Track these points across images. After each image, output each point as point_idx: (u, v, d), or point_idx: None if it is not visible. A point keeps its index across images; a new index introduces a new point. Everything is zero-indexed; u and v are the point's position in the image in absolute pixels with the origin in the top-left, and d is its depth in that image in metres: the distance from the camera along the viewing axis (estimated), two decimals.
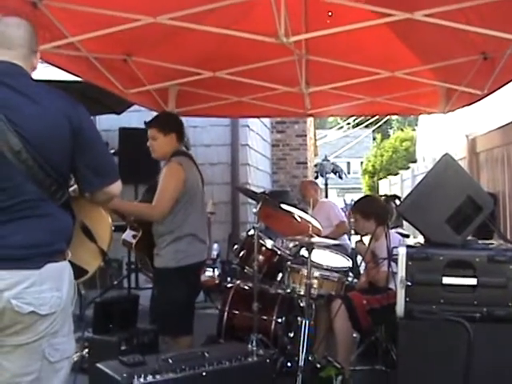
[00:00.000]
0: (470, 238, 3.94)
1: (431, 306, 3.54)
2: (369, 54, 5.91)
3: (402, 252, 3.61)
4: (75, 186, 3.05)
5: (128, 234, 4.96)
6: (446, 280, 3.55)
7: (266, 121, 13.61)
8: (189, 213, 4.72)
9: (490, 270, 3.51)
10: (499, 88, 5.60)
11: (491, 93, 5.75)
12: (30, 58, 2.84)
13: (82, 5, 4.40)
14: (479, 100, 6.08)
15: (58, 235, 2.74)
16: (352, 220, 6.23)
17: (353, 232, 8.01)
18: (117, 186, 2.98)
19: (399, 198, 5.09)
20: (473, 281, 3.52)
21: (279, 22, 4.27)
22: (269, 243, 5.60)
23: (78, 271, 3.09)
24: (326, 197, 19.71)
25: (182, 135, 4.92)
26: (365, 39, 5.40)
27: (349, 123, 47.68)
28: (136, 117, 9.29)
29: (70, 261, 2.83)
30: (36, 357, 2.64)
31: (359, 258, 6.49)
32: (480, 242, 3.96)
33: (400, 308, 3.58)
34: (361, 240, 5.57)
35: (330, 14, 5.08)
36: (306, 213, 6.18)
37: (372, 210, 5.40)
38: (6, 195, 2.61)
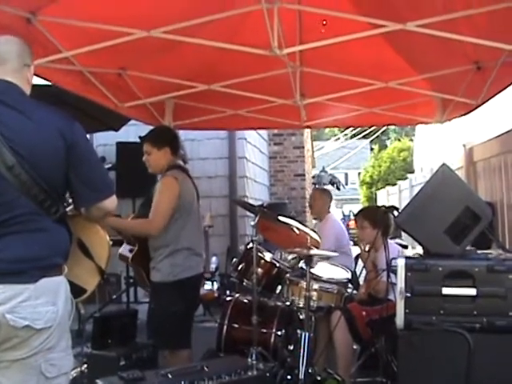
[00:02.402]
0: (468, 248, 3.93)
1: (431, 317, 3.52)
2: (363, 64, 5.92)
3: (401, 263, 3.60)
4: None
5: (125, 248, 4.95)
6: (446, 291, 3.54)
7: (263, 133, 13.61)
8: (184, 226, 4.72)
9: (490, 280, 3.50)
10: (493, 97, 5.61)
11: (486, 102, 5.76)
12: (21, 72, 2.83)
13: (76, 19, 4.40)
14: (474, 109, 6.10)
15: (54, 249, 2.73)
16: (355, 229, 6.19)
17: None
18: (112, 202, 2.97)
19: (397, 208, 5.07)
20: (472, 291, 3.51)
21: (272, 35, 4.28)
22: (267, 256, 5.58)
23: (77, 290, 3.07)
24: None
25: (176, 148, 4.93)
26: (359, 50, 5.41)
27: (346, 134, 47.75)
28: (133, 131, 9.27)
29: (68, 280, 2.81)
30: (32, 372, 2.62)
31: (358, 269, 6.47)
32: (479, 251, 3.96)
33: (400, 319, 3.56)
34: (364, 249, 5.57)
35: (324, 22, 5.09)
36: (305, 225, 6.16)
37: (380, 220, 5.37)
38: (1, 210, 2.60)
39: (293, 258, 6.12)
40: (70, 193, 2.90)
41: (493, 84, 5.28)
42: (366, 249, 5.50)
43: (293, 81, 6.00)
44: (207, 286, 8.24)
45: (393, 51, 5.67)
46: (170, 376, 3.55)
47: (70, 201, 2.99)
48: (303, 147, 14.80)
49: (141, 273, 4.90)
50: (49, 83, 5.29)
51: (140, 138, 4.99)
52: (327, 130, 50.38)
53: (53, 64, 4.84)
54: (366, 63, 5.91)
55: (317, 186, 15.14)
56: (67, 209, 2.97)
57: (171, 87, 6.33)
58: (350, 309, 5.14)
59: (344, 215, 27.50)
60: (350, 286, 5.65)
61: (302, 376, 4.59)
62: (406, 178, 18.25)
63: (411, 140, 37.82)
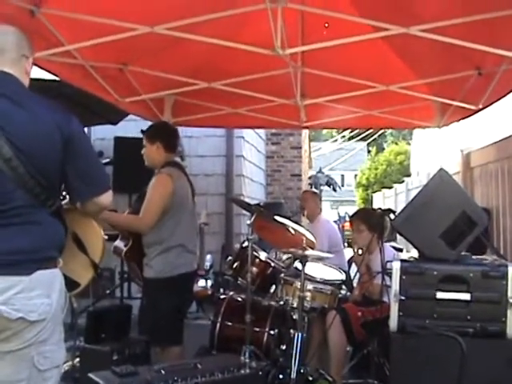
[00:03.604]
0: (463, 253, 3.94)
1: (424, 321, 3.54)
2: (364, 67, 5.93)
3: (396, 266, 3.61)
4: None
5: (120, 242, 4.96)
6: (440, 295, 3.55)
7: (261, 132, 13.61)
8: (177, 223, 4.76)
9: (484, 285, 3.52)
10: (494, 103, 5.63)
11: (486, 107, 5.77)
12: (19, 63, 2.82)
13: (80, 13, 4.40)
14: (473, 114, 6.11)
15: (49, 242, 2.74)
16: (350, 231, 6.19)
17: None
18: (107, 197, 2.97)
19: (394, 212, 5.08)
20: (466, 296, 3.53)
21: (276, 34, 4.28)
22: (262, 255, 5.59)
23: (70, 284, 3.07)
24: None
25: (169, 145, 4.97)
26: (360, 53, 5.41)
27: (343, 136, 47.75)
28: (132, 126, 9.26)
29: (62, 273, 2.81)
30: (25, 364, 2.62)
31: (353, 271, 6.48)
32: (474, 257, 3.97)
33: (393, 322, 3.58)
34: (357, 252, 5.56)
35: (326, 25, 5.09)
36: (300, 225, 6.17)
37: (377, 224, 5.36)
38: None
39: (287, 258, 6.13)
40: (66, 187, 2.91)
41: (494, 90, 5.29)
42: (360, 252, 5.49)
43: (294, 81, 6.00)
44: (201, 283, 8.26)
45: (395, 55, 5.67)
46: (162, 372, 3.55)
47: (66, 194, 2.99)
48: (300, 147, 14.81)
49: (134, 268, 4.91)
50: (48, 78, 5.29)
51: (141, 131, 5.06)
52: (325, 131, 50.45)
53: (55, 57, 4.84)
54: (368, 66, 5.92)
55: (306, 188, 15.12)
56: (63, 202, 2.98)
57: (172, 84, 6.32)
58: (346, 309, 5.15)
59: (339, 216, 27.46)
60: (343, 287, 5.66)
61: (293, 375, 4.59)
62: (403, 182, 18.28)
63: (408, 144, 37.82)
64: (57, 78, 5.53)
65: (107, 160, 8.52)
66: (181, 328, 4.85)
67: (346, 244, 16.04)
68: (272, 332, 5.29)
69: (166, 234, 4.71)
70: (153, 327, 4.75)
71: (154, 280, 4.72)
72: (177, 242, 4.75)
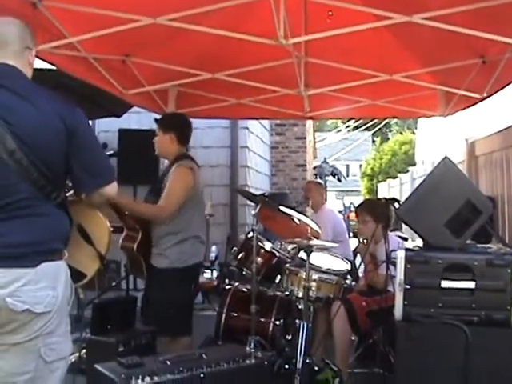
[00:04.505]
0: (468, 241, 3.94)
1: (429, 310, 3.54)
2: (368, 56, 5.92)
3: (400, 255, 3.61)
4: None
5: (123, 238, 4.96)
6: (445, 283, 3.55)
7: (266, 123, 13.60)
8: (194, 215, 4.83)
9: (489, 273, 3.51)
10: (498, 91, 5.61)
11: (490, 96, 5.76)
12: (23, 55, 2.82)
13: (82, 5, 4.40)
14: (478, 103, 6.10)
15: (54, 234, 2.74)
16: (355, 221, 6.20)
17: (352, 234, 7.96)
18: (112, 188, 2.98)
19: (398, 201, 5.07)
20: (471, 284, 3.53)
21: (278, 24, 4.27)
22: (267, 245, 5.59)
23: (77, 275, 3.08)
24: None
25: (182, 137, 4.99)
26: (364, 42, 5.40)
27: (348, 126, 47.66)
28: (135, 118, 9.31)
29: (68, 264, 2.82)
30: (31, 356, 2.64)
31: (358, 261, 6.48)
32: (479, 245, 3.96)
33: (398, 311, 3.58)
34: (363, 242, 5.56)
35: (330, 13, 5.08)
36: (305, 215, 6.17)
37: (382, 214, 5.36)
38: (1, 194, 2.61)
39: (292, 248, 6.14)
40: (71, 178, 2.91)
41: (498, 78, 5.28)
42: (365, 242, 5.49)
43: (297, 71, 6.00)
44: (207, 274, 8.26)
45: (398, 43, 5.66)
46: (168, 363, 3.56)
47: (71, 185, 3.00)
48: (305, 138, 14.79)
49: (140, 261, 4.90)
50: (52, 67, 5.28)
51: (155, 120, 5.08)
52: (330, 121, 50.31)
53: (58, 50, 4.84)
54: (371, 55, 5.91)
55: (311, 179, 15.11)
56: (68, 194, 2.98)
57: (175, 75, 6.32)
58: (351, 299, 5.16)
59: (344, 207, 27.48)
60: (349, 277, 5.66)
61: (299, 365, 4.60)
62: (408, 171, 18.23)
63: (413, 133, 37.71)
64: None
65: (111, 152, 8.53)
66: (191, 318, 4.88)
67: (351, 234, 16.03)
68: (277, 322, 5.30)
69: (183, 225, 4.75)
70: (165, 317, 4.75)
71: (170, 270, 4.73)
72: (192, 233, 4.80)
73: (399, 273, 3.59)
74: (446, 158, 3.88)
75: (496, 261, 3.52)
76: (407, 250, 3.68)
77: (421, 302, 3.55)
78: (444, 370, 3.46)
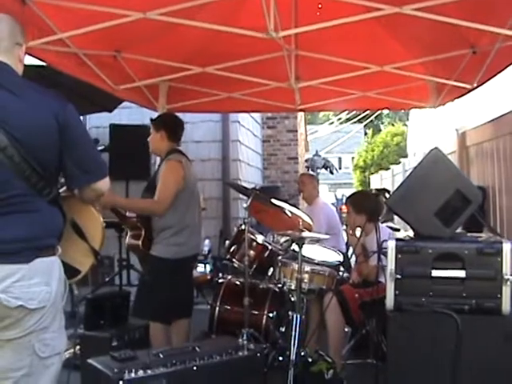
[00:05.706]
0: (459, 230, 3.96)
1: (420, 299, 3.55)
2: (358, 48, 5.93)
3: (391, 245, 3.63)
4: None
5: (130, 239, 5.07)
6: (435, 273, 3.57)
7: (257, 116, 13.58)
8: (188, 207, 4.97)
9: (479, 262, 3.53)
10: (488, 80, 5.64)
11: (480, 85, 5.78)
12: (13, 51, 2.81)
13: (71, 1, 4.39)
14: (468, 93, 6.12)
15: (47, 230, 2.75)
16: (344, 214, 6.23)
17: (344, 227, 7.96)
18: (104, 183, 2.99)
19: (389, 191, 5.10)
20: (462, 273, 3.54)
21: (268, 17, 4.28)
22: (260, 238, 5.61)
23: (71, 271, 3.09)
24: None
25: (172, 134, 5.15)
26: (354, 34, 5.41)
27: (340, 118, 47.60)
28: (126, 113, 9.30)
29: (62, 261, 2.83)
30: (26, 352, 2.65)
31: (350, 252, 6.50)
32: (469, 234, 3.99)
33: (390, 301, 3.60)
34: (353, 233, 5.58)
35: (319, 6, 5.09)
36: (298, 208, 6.18)
37: (364, 205, 5.40)
38: None
39: (285, 241, 6.15)
40: (63, 174, 2.91)
41: (488, 68, 5.30)
42: (357, 234, 5.52)
43: (288, 64, 5.99)
44: (200, 268, 8.27)
45: (388, 35, 5.68)
46: (161, 356, 3.58)
47: (63, 181, 3.00)
48: (296, 131, 14.77)
49: (146, 256, 4.98)
50: (42, 64, 5.28)
51: (150, 119, 5.30)
52: (321, 114, 50.29)
53: (48, 46, 4.83)
54: (362, 47, 5.92)
55: (303, 171, 15.11)
56: (61, 190, 2.99)
57: (166, 70, 6.32)
58: (343, 291, 5.18)
59: (337, 199, 27.43)
60: (341, 268, 5.69)
61: (293, 357, 4.62)
62: (400, 163, 18.26)
63: (405, 125, 37.73)
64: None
65: (103, 147, 8.52)
66: (191, 302, 5.17)
67: (344, 226, 16.03)
68: (270, 314, 5.33)
69: (178, 218, 4.88)
70: (167, 304, 4.82)
71: (165, 260, 4.85)
72: (187, 224, 4.94)
73: (390, 263, 3.60)
74: (435, 148, 3.90)
75: (486, 249, 3.54)
76: (397, 240, 3.69)
77: (412, 291, 3.57)
78: (435, 359, 3.48)
